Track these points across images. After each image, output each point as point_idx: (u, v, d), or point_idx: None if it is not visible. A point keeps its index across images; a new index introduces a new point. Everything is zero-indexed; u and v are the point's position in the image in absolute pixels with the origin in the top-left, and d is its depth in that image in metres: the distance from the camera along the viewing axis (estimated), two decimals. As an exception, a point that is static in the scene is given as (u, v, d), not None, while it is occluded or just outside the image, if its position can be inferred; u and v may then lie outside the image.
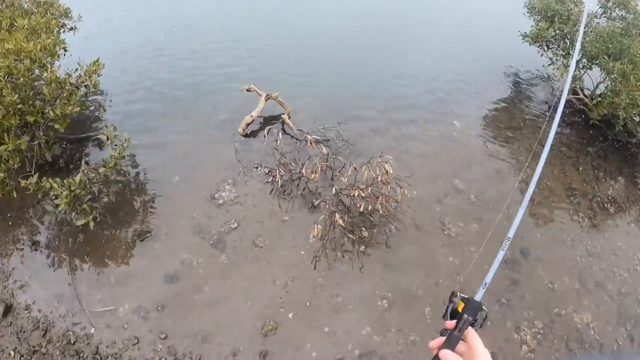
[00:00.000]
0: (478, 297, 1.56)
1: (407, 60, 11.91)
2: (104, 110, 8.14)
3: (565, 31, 10.40)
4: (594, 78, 10.77)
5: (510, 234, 1.85)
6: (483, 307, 1.53)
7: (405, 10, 16.34)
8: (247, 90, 7.82)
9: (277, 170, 6.59)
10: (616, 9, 10.53)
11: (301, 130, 7.43)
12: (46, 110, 5.81)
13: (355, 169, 6.38)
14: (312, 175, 6.32)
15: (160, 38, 10.93)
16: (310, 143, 6.77)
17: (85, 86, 6.39)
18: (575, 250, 7.40)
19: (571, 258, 7.22)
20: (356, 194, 5.98)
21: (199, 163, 7.09)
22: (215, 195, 6.56)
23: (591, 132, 10.55)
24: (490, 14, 19.26)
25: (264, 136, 7.35)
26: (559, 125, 10.48)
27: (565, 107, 10.97)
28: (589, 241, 7.68)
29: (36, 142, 6.04)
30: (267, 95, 7.65)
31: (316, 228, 5.73)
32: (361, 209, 5.90)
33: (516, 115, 10.32)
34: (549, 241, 7.31)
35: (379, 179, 6.05)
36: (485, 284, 1.66)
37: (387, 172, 6.05)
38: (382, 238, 6.31)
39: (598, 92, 10.54)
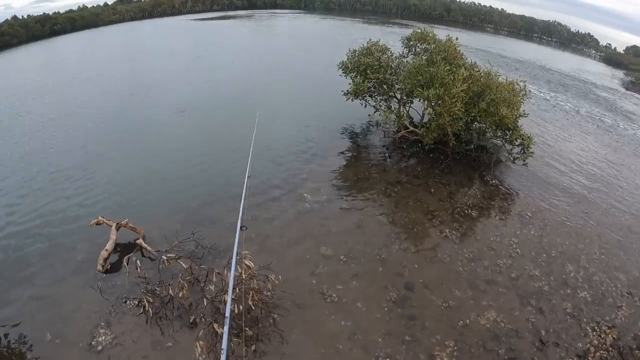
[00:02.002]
0: None
1: (244, 145, 12.32)
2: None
3: (379, 78, 11.81)
4: (418, 110, 12.40)
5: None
6: None
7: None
8: (97, 224, 7.63)
9: (146, 299, 6.37)
10: (418, 44, 12.21)
11: (159, 250, 7.34)
12: None
13: (218, 274, 6.39)
14: (181, 293, 6.20)
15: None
16: (168, 262, 6.64)
17: None
18: (455, 263, 8.00)
19: (454, 271, 7.78)
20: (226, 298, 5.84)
21: (66, 313, 6.55)
22: (92, 342, 6.07)
23: (431, 155, 11.85)
24: (313, 78, 21.32)
25: (125, 266, 7.06)
26: (400, 161, 11.72)
27: (402, 142, 12.35)
28: (464, 249, 8.40)
29: None
30: (117, 224, 7.56)
31: (198, 346, 5.51)
32: (236, 311, 5.77)
33: (361, 167, 11.24)
34: (427, 266, 7.82)
35: (243, 276, 6.06)
36: None
37: (249, 267, 6.10)
38: (269, 329, 6.25)
39: (426, 119, 12.07)
